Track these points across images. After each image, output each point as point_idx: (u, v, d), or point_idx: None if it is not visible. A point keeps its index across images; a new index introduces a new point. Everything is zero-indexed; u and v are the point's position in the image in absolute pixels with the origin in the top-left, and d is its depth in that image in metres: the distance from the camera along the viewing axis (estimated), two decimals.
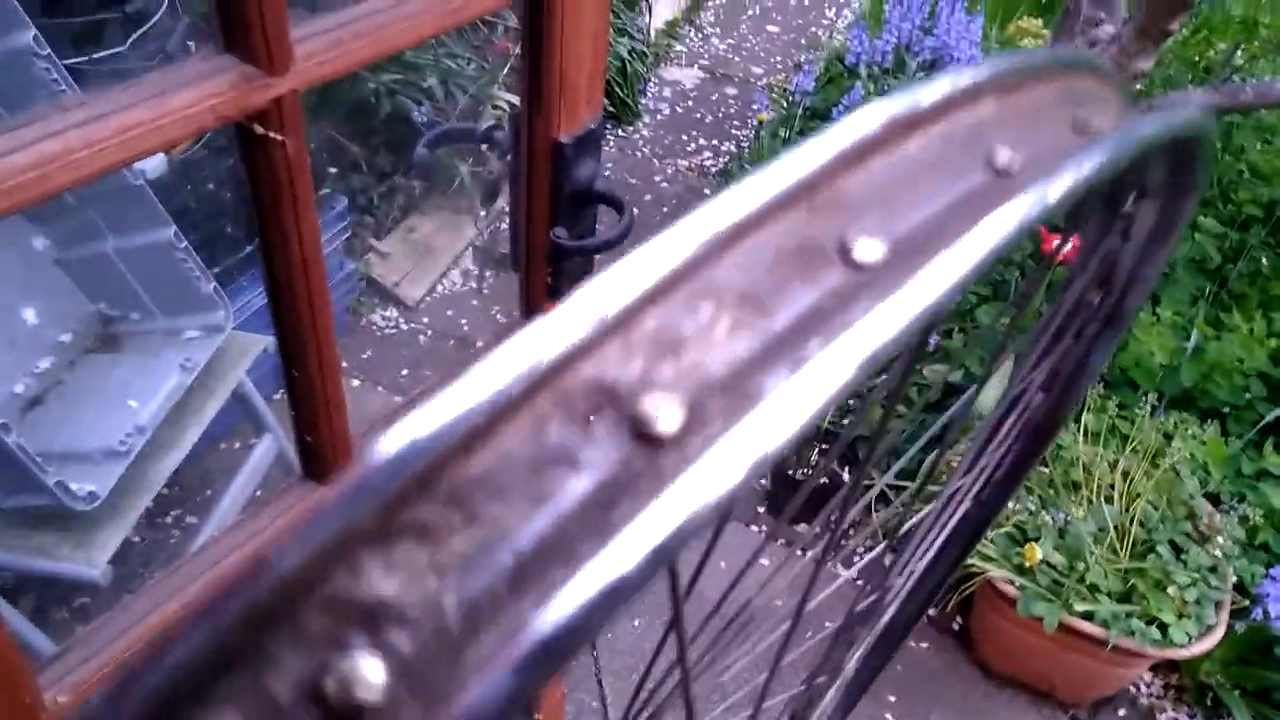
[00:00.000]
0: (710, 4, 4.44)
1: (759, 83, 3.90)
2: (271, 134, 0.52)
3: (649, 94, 3.74)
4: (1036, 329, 0.36)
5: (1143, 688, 1.97)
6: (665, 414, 0.17)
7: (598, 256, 0.86)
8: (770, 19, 4.43)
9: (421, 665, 0.15)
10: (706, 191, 3.27)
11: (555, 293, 0.86)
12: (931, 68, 3.17)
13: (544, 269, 0.84)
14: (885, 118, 0.20)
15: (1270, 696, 1.87)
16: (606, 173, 3.29)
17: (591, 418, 0.17)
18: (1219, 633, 1.77)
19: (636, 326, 0.18)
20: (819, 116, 3.12)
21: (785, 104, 3.30)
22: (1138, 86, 2.39)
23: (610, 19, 0.75)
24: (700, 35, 4.22)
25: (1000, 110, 0.21)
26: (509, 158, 0.80)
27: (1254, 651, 1.88)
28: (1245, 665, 1.88)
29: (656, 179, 3.38)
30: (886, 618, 0.55)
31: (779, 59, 4.10)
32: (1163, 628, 1.73)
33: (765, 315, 0.19)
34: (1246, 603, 1.83)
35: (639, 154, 3.48)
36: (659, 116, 3.67)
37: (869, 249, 0.19)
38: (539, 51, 0.69)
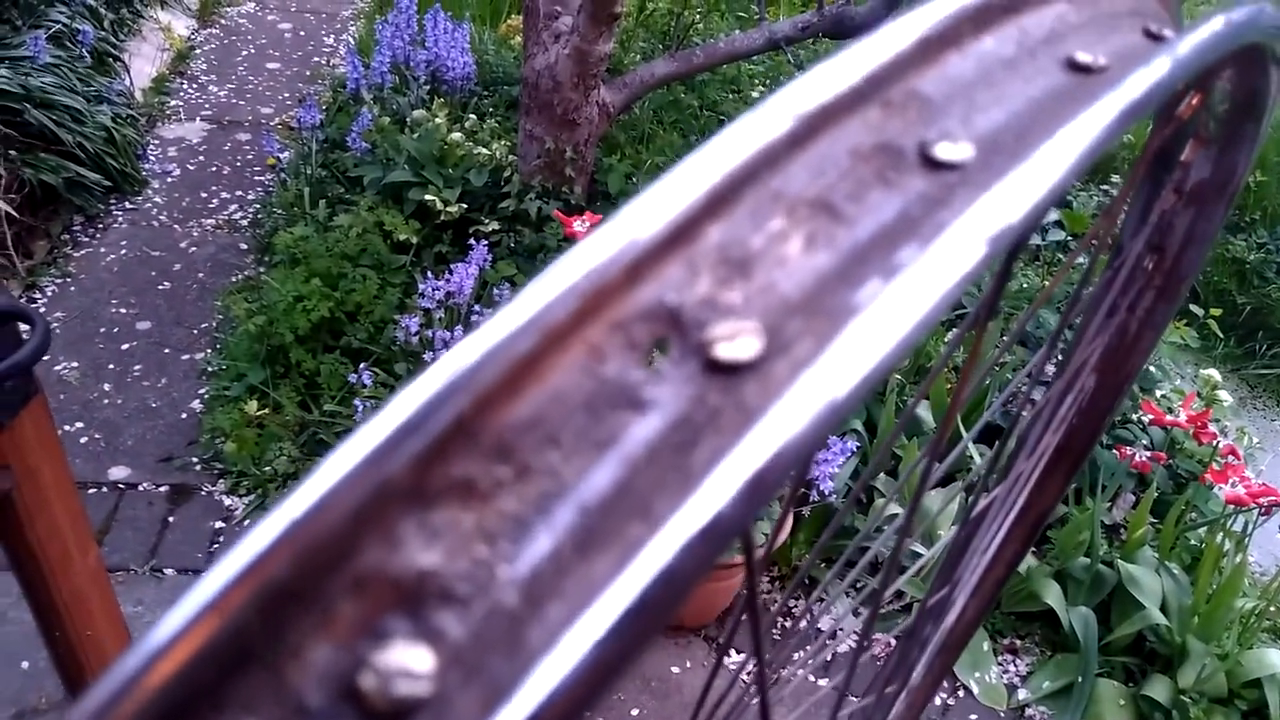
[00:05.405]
0: (199, 52, 4.11)
1: (271, 123, 3.65)
2: None
3: (151, 158, 3.38)
4: (1087, 304, 0.35)
5: None
6: (740, 341, 0.15)
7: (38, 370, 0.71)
8: (268, 56, 4.16)
9: (476, 650, 0.12)
10: (243, 246, 2.98)
11: None
12: (432, 81, 3.11)
13: None
14: (953, 10, 0.18)
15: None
16: (123, 250, 2.91)
17: (654, 348, 0.15)
18: (789, 523, 1.96)
19: (697, 242, 0.16)
20: (339, 147, 2.92)
21: (299, 140, 3.09)
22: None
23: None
24: (196, 85, 3.89)
25: (1073, 13, 0.20)
26: None
27: (824, 526, 2.12)
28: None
29: (183, 245, 2.99)
30: (954, 614, 0.53)
31: (287, 95, 3.86)
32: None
33: (844, 225, 0.16)
34: (803, 491, 2.02)
35: (156, 223, 3.10)
36: (169, 179, 3.32)
37: (954, 150, 0.17)
38: None
